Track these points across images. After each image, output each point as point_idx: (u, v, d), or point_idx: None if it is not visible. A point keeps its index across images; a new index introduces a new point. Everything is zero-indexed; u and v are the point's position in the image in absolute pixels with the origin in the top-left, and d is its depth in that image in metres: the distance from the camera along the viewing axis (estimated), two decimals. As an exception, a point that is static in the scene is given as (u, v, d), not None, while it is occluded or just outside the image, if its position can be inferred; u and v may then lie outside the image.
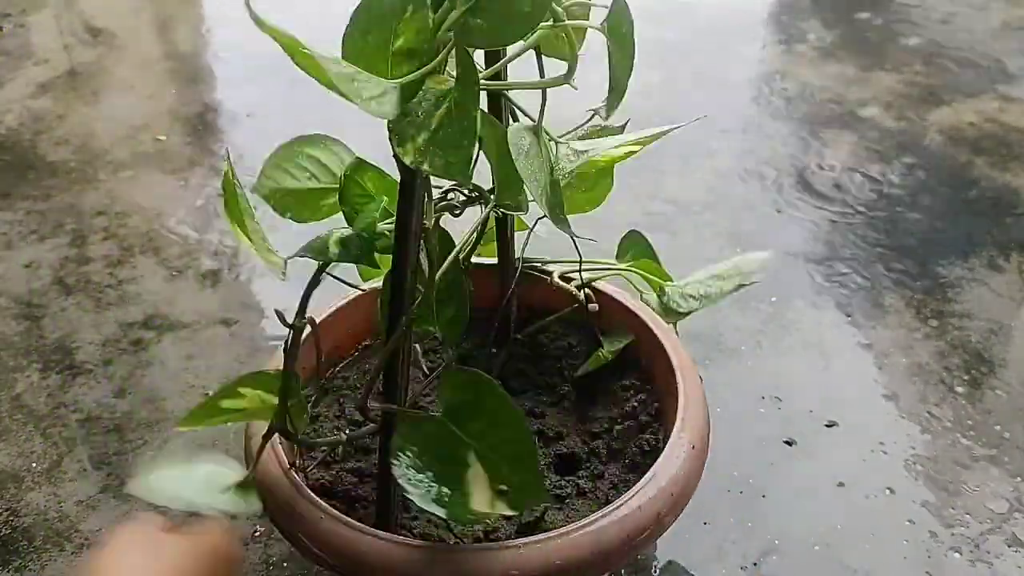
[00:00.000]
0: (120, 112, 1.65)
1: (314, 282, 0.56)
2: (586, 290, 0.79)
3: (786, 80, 1.74)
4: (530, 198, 0.54)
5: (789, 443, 0.94)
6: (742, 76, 1.76)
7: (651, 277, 0.81)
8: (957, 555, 0.83)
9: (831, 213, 1.33)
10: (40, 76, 1.78)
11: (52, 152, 1.52)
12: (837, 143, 1.51)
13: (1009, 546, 0.84)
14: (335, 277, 0.62)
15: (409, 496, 0.53)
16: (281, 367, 0.57)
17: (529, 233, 0.77)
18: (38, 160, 1.50)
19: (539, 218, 0.73)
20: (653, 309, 0.79)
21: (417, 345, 0.71)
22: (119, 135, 1.57)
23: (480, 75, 0.47)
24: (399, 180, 0.53)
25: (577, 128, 0.67)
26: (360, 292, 0.76)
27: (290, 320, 0.56)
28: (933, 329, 1.10)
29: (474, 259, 0.72)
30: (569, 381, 0.81)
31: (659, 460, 0.64)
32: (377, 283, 0.70)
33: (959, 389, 1.01)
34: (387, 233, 0.56)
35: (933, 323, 1.11)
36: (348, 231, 0.56)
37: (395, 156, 0.47)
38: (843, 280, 1.19)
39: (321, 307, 0.79)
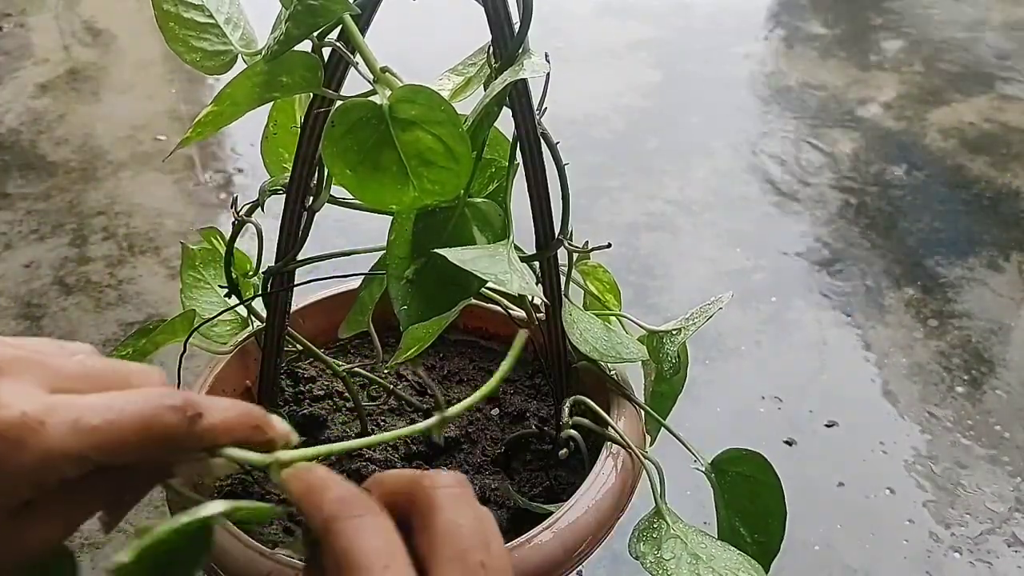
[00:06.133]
0: (120, 112, 1.65)
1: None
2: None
3: (786, 79, 1.74)
4: None
5: (789, 443, 0.94)
6: (742, 75, 1.76)
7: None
8: (957, 555, 0.83)
9: (831, 213, 1.33)
10: (40, 76, 1.78)
11: (52, 152, 1.52)
12: (837, 143, 1.51)
13: (1009, 546, 0.84)
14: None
15: None
16: None
17: None
18: (38, 160, 1.50)
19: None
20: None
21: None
22: (119, 135, 1.57)
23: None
24: None
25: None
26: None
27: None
28: (933, 329, 1.10)
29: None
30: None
31: None
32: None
33: (959, 389, 1.01)
34: None
35: (933, 323, 1.11)
36: None
37: None
38: (843, 280, 1.19)
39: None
